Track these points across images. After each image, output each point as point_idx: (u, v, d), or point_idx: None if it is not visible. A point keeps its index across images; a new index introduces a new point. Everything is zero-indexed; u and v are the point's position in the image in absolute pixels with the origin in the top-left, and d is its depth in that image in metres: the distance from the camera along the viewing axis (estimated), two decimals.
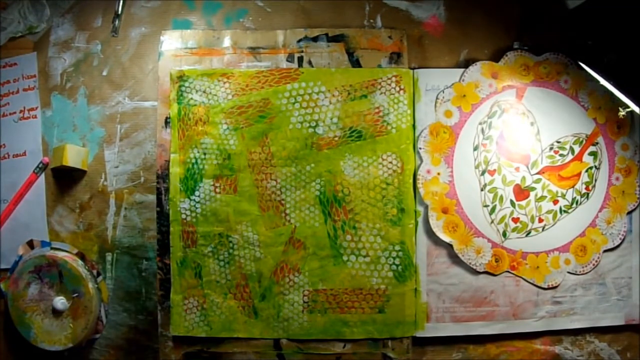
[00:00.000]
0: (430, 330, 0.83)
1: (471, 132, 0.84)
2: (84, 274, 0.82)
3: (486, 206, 0.84)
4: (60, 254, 0.83)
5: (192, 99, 0.84)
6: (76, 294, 0.81)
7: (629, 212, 0.86)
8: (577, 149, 0.85)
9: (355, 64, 0.86)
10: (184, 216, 0.83)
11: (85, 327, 0.81)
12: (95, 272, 0.84)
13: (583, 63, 0.82)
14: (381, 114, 0.84)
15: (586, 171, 0.85)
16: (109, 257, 0.85)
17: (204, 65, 0.86)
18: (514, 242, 0.84)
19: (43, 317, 0.82)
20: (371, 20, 0.87)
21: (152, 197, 0.85)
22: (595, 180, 0.86)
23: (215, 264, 0.83)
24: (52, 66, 0.88)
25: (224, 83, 0.85)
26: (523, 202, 0.84)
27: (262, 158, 0.84)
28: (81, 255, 0.85)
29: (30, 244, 0.85)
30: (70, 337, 0.81)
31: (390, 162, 0.84)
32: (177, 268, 0.83)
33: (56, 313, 0.81)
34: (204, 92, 0.85)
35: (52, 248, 0.85)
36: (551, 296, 0.85)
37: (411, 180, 0.84)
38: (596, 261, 0.85)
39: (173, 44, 0.87)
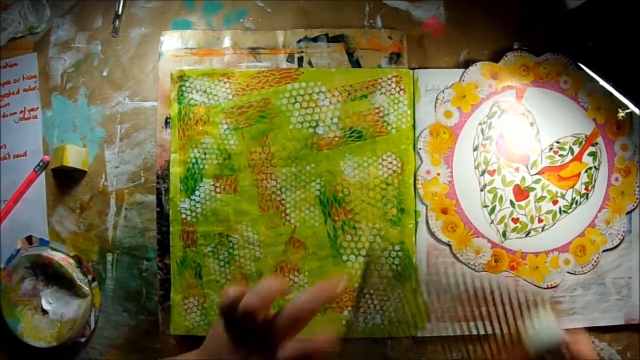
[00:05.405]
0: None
1: (471, 133, 0.84)
2: (78, 279, 0.82)
3: (486, 206, 0.84)
4: (57, 256, 0.83)
5: (192, 98, 0.84)
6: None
7: (628, 212, 0.86)
8: (576, 149, 0.85)
9: (355, 64, 0.86)
10: (184, 216, 0.83)
11: (70, 328, 0.81)
12: (90, 277, 0.84)
13: (583, 64, 0.82)
14: (381, 114, 0.84)
15: (586, 171, 0.85)
16: (109, 257, 0.85)
17: (204, 65, 0.86)
18: (514, 243, 0.84)
19: (33, 313, 0.81)
20: (371, 21, 0.87)
21: (153, 198, 0.85)
22: (595, 181, 0.86)
23: (215, 264, 0.83)
24: (53, 66, 0.88)
25: (224, 83, 0.85)
26: (523, 203, 0.84)
27: (262, 158, 0.84)
28: (78, 259, 0.85)
29: (29, 240, 0.85)
30: (55, 335, 0.81)
31: (390, 163, 0.84)
32: (177, 268, 0.83)
33: (45, 311, 0.81)
34: (205, 92, 0.85)
35: (51, 248, 0.85)
36: (550, 296, 0.85)
37: (411, 181, 0.84)
38: (595, 261, 0.85)
39: (173, 44, 0.87)
